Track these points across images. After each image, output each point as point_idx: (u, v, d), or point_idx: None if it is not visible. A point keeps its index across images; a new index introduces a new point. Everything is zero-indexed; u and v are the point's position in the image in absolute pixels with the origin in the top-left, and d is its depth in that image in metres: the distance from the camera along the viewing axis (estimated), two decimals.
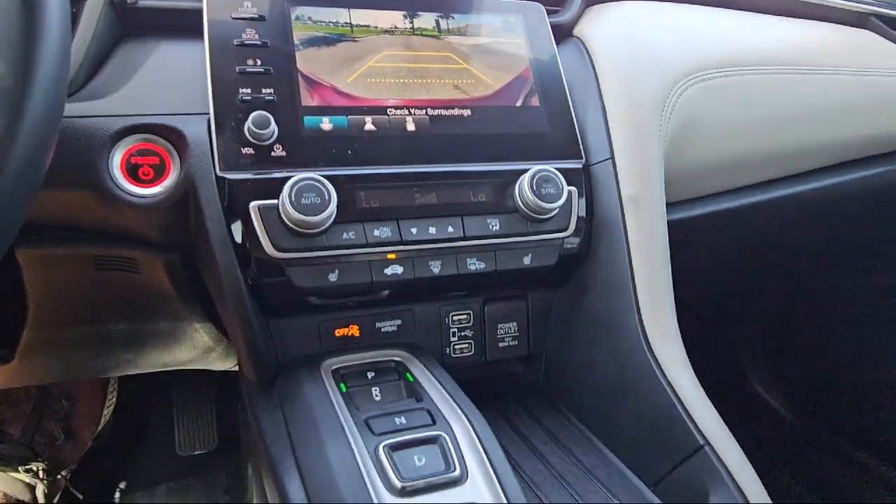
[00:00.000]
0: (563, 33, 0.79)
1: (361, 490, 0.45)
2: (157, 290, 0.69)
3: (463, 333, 0.70)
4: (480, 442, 0.50)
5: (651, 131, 0.69)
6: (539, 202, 0.62)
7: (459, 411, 0.54)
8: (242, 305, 0.58)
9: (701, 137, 0.77)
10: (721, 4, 0.91)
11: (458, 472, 0.48)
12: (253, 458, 1.04)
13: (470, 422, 0.52)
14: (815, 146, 0.88)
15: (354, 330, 0.65)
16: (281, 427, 0.55)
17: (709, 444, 0.55)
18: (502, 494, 0.46)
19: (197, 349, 0.81)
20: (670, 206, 0.75)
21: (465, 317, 0.70)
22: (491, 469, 0.48)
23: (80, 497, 1.18)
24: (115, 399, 1.24)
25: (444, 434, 0.51)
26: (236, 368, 0.90)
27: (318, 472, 0.47)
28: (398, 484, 0.46)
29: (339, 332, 0.65)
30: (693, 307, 0.74)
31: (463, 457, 0.49)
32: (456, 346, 0.70)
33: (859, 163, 0.96)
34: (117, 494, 1.26)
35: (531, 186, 0.62)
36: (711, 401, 0.60)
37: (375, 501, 0.44)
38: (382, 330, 0.66)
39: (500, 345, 0.71)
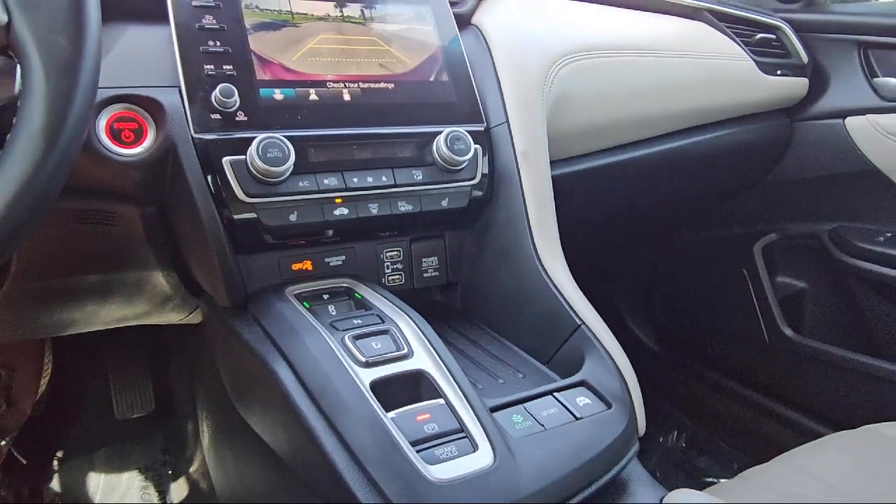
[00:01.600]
0: (463, 22, 0.96)
1: (338, 365, 0.60)
2: (131, 240, 0.79)
3: (395, 266, 0.86)
4: (421, 331, 0.67)
5: (536, 101, 0.88)
6: (453, 156, 0.79)
7: (402, 312, 0.70)
8: (220, 242, 0.70)
9: (574, 107, 0.97)
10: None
11: (406, 350, 0.64)
12: (202, 410, 1.15)
13: (411, 318, 0.69)
14: (662, 115, 1.12)
15: (308, 265, 0.79)
16: (260, 333, 0.68)
17: (584, 323, 0.74)
18: (441, 363, 0.63)
19: (156, 299, 0.92)
20: (554, 163, 0.94)
21: (395, 253, 0.86)
22: (431, 346, 0.65)
23: (24, 462, 1.24)
24: (50, 367, 1.29)
25: (391, 328, 0.67)
26: (189, 320, 1.01)
27: (303, 356, 0.62)
28: (363, 359, 0.62)
29: (295, 267, 0.79)
30: (576, 258, 0.93)
31: (408, 341, 0.66)
32: (390, 277, 0.85)
33: (698, 129, 1.21)
34: (55, 463, 1.32)
35: (446, 143, 0.79)
36: None
37: (349, 370, 0.60)
38: (330, 264, 0.81)
39: (425, 275, 0.88)
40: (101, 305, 0.90)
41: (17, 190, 0.45)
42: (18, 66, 0.49)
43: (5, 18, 0.47)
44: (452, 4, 0.95)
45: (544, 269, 0.79)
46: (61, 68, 0.47)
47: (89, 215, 0.75)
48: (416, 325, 0.68)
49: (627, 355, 0.76)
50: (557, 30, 0.98)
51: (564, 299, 0.76)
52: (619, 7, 1.14)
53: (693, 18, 1.23)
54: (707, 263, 1.64)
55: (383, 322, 0.68)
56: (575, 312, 0.76)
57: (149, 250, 0.82)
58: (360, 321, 0.68)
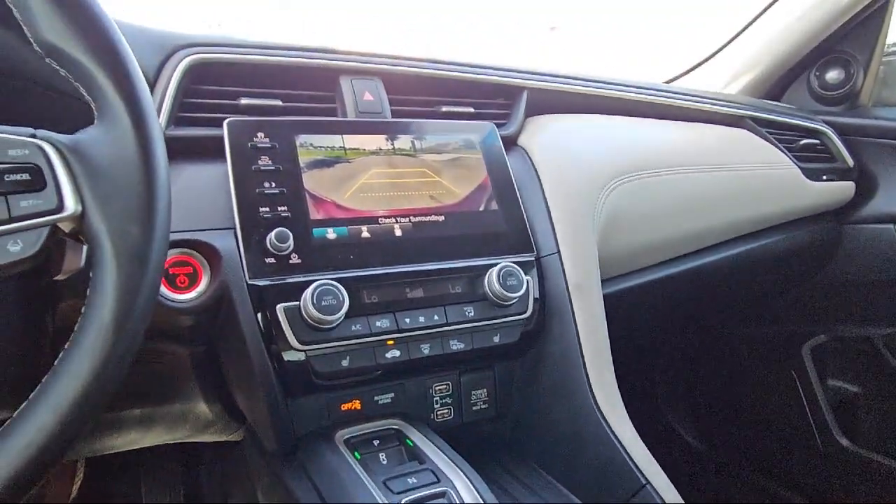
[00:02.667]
0: (509, 143, 0.97)
1: None
2: (178, 376, 0.78)
3: (444, 401, 0.83)
4: (478, 492, 0.64)
5: (587, 228, 0.87)
6: (505, 292, 0.77)
7: (457, 469, 0.67)
8: (270, 388, 0.69)
9: (624, 229, 0.95)
10: (629, 112, 1.12)
11: None
12: None
13: (467, 477, 0.66)
14: (710, 229, 1.10)
15: (357, 404, 0.77)
16: (309, 487, 0.66)
17: (650, 484, 0.71)
18: None
19: (199, 426, 0.90)
20: (605, 281, 0.93)
21: (445, 386, 0.83)
22: None
23: None
24: (82, 475, 1.27)
25: (448, 489, 0.64)
26: (230, 439, 0.99)
27: None
28: None
29: (344, 407, 0.77)
30: (620, 350, 0.90)
31: None
32: (439, 412, 0.83)
33: (745, 237, 1.18)
34: None
35: (498, 279, 0.77)
36: None
37: None
38: (380, 402, 0.78)
39: (474, 408, 0.85)
40: (143, 434, 0.89)
41: (86, 383, 0.44)
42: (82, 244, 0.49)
43: (80, 209, 0.47)
44: (499, 126, 0.95)
45: (601, 414, 0.76)
46: (133, 258, 0.47)
47: (137, 356, 0.74)
48: (474, 485, 0.65)
49: (664, 449, 0.72)
50: (605, 151, 0.98)
51: (626, 452, 0.73)
52: (663, 119, 1.14)
53: (736, 126, 1.23)
54: (753, 362, 1.59)
55: (439, 481, 0.66)
56: (639, 470, 0.72)
57: (195, 385, 0.81)
58: (414, 479, 0.65)
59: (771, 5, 1.35)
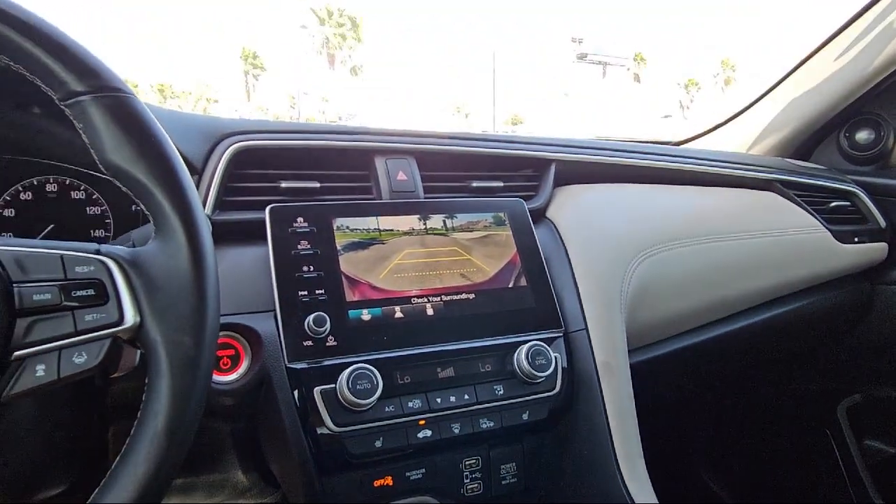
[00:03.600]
0: (538, 216, 0.99)
1: None
2: (218, 449, 0.82)
3: (474, 475, 0.85)
4: None
5: (614, 304, 0.89)
6: (534, 371, 0.79)
7: None
8: (307, 466, 0.72)
9: (652, 300, 0.97)
10: (656, 179, 1.14)
11: None
12: None
13: None
14: (739, 297, 1.10)
15: (389, 480, 0.79)
16: None
17: None
18: None
19: (236, 492, 0.93)
20: (633, 351, 0.94)
21: (475, 461, 0.85)
22: None
23: None
24: None
25: None
26: (265, 502, 1.02)
27: None
28: None
29: (376, 483, 0.79)
30: (651, 410, 0.91)
31: None
32: (468, 487, 0.84)
33: (774, 302, 1.18)
34: None
35: (527, 358, 0.79)
36: (664, 487, 0.76)
37: None
38: (411, 478, 0.80)
39: (503, 482, 0.86)
40: (183, 499, 0.92)
41: (142, 490, 0.47)
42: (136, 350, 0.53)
43: (138, 320, 0.51)
44: (527, 198, 0.98)
45: (628, 492, 0.77)
46: (185, 365, 0.51)
47: None
48: None
49: None
50: (633, 223, 1.00)
51: None
52: (690, 185, 1.16)
53: (763, 189, 1.24)
54: (788, 420, 1.57)
55: None
56: None
57: (234, 456, 0.84)
58: None
59: (798, 67, 1.36)
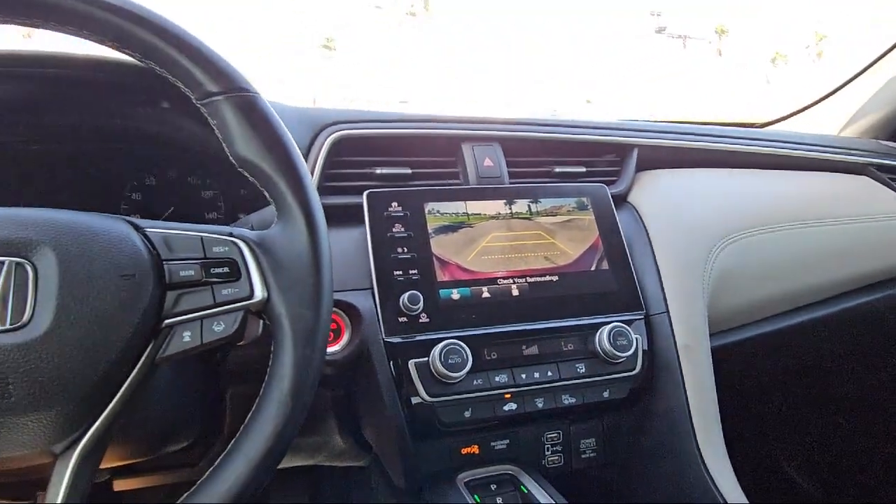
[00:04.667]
0: (619, 200, 1.01)
1: None
2: (320, 414, 0.89)
3: (555, 448, 0.89)
4: None
5: (696, 288, 0.90)
6: (615, 351, 0.82)
7: None
8: (402, 433, 0.78)
9: (734, 286, 0.97)
10: (740, 164, 1.13)
11: None
12: None
13: None
14: (825, 284, 1.09)
15: (475, 449, 0.85)
16: None
17: None
18: None
19: (333, 453, 1.01)
20: (713, 335, 0.95)
21: (556, 435, 0.89)
22: None
23: None
24: None
25: None
26: (357, 464, 1.10)
27: None
28: None
29: (464, 451, 0.85)
30: (730, 398, 0.92)
31: None
32: (550, 459, 0.89)
33: (863, 290, 1.16)
34: None
35: (609, 339, 0.83)
36: (744, 473, 0.78)
37: None
38: (495, 448, 0.86)
39: (583, 456, 0.91)
40: (286, 460, 1.01)
41: (271, 444, 0.54)
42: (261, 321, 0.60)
43: (266, 295, 0.57)
44: (609, 183, 1.00)
45: (709, 474, 0.80)
46: (306, 336, 0.57)
47: None
48: None
49: (781, 498, 0.74)
50: (716, 208, 1.01)
51: None
52: (776, 169, 1.15)
53: (856, 173, 1.20)
54: (871, 408, 1.52)
55: None
56: None
57: (333, 421, 0.91)
58: None
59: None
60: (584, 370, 0.83)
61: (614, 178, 1.03)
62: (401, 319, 0.79)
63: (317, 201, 0.60)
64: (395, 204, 0.86)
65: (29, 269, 0.50)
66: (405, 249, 0.83)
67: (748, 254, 0.98)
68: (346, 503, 1.28)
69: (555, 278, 0.88)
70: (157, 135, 0.85)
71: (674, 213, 0.98)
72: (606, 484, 0.93)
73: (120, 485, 1.02)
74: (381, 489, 0.92)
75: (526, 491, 0.79)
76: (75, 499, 0.50)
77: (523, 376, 0.81)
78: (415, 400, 0.77)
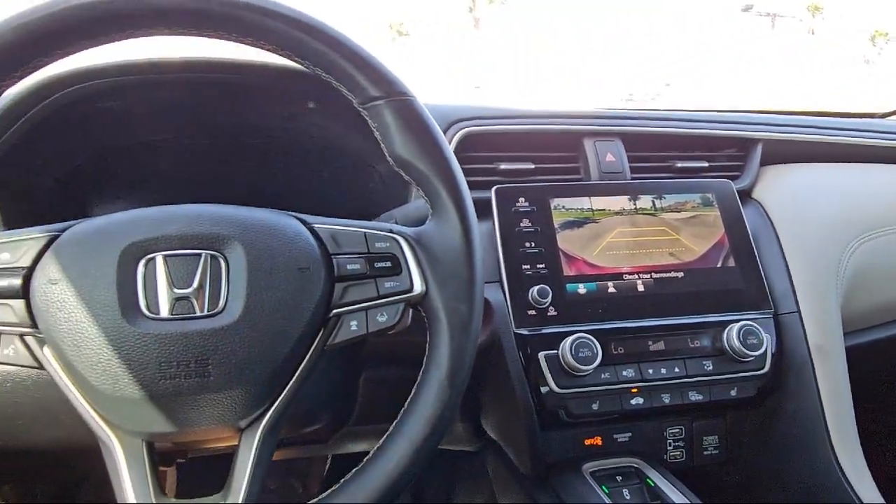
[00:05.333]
0: (743, 196, 0.99)
1: None
2: None
3: (677, 443, 0.90)
4: None
5: (829, 288, 0.88)
6: (745, 350, 0.82)
7: None
8: (531, 423, 0.81)
9: (870, 285, 0.94)
10: (869, 158, 1.09)
11: None
12: None
13: None
14: None
15: (598, 440, 0.87)
16: None
17: None
18: None
19: (451, 439, 1.06)
20: (848, 334, 0.92)
21: (678, 430, 0.90)
22: None
23: None
24: (326, 469, 1.51)
25: None
26: (468, 449, 1.14)
27: None
28: None
29: (587, 442, 0.87)
30: (865, 398, 0.89)
31: None
32: (671, 454, 0.90)
33: None
34: None
35: (738, 337, 0.82)
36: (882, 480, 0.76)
37: None
38: (618, 440, 0.87)
39: (705, 452, 0.91)
40: None
41: (432, 428, 0.58)
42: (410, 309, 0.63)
43: (424, 289, 0.61)
44: (732, 178, 0.99)
45: (845, 478, 0.78)
46: (462, 328, 0.60)
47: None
48: None
49: None
50: (848, 206, 0.97)
51: None
52: None
53: None
54: None
55: None
56: None
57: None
58: None
59: None
60: (711, 368, 0.83)
61: (737, 174, 1.01)
62: (530, 312, 0.82)
63: (469, 199, 0.63)
64: (522, 199, 0.88)
65: (222, 261, 0.55)
66: (532, 244, 0.85)
67: (886, 252, 0.95)
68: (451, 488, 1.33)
69: (680, 274, 0.88)
70: (301, 131, 0.90)
71: (804, 210, 0.95)
72: (727, 481, 0.93)
73: None
74: (499, 474, 0.95)
75: (652, 484, 0.80)
76: (261, 470, 0.56)
77: (650, 371, 0.82)
78: (544, 391, 0.79)
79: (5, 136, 0.76)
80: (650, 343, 0.83)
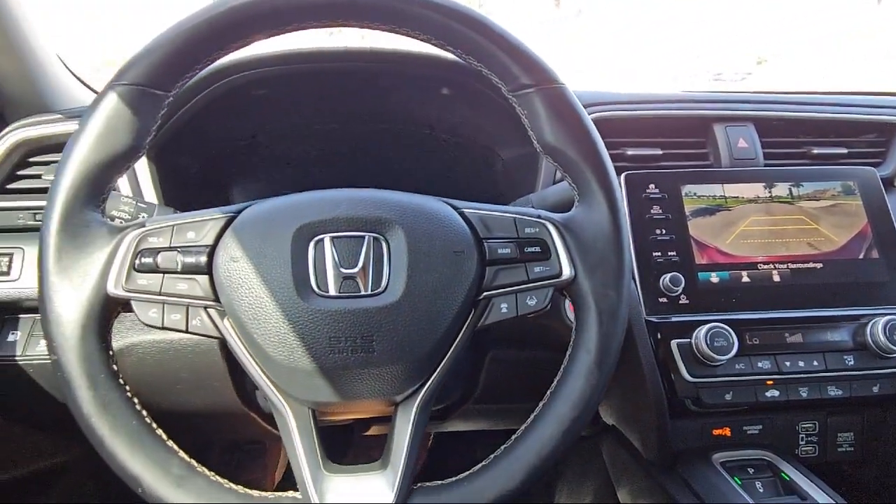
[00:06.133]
0: (886, 185, 0.94)
1: None
2: None
3: (810, 439, 0.87)
4: None
5: None
6: (891, 346, 0.78)
7: None
8: (661, 411, 0.81)
9: None
10: None
11: None
12: None
13: None
14: None
15: (727, 431, 0.86)
16: (693, 500, 0.77)
17: None
18: None
19: None
20: None
21: (811, 425, 0.87)
22: None
23: None
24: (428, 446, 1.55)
25: None
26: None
27: None
28: None
29: (715, 432, 0.86)
30: None
31: None
32: (803, 448, 0.87)
33: None
34: None
35: (884, 332, 0.79)
36: None
37: None
38: (748, 432, 0.86)
39: (839, 449, 0.88)
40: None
41: (580, 410, 0.59)
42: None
43: (572, 274, 0.62)
44: (874, 166, 0.94)
45: None
46: (611, 313, 0.61)
47: (532, 363, 0.92)
48: None
49: None
50: None
51: None
52: None
53: None
54: None
55: None
56: None
57: None
58: None
59: None
60: (852, 363, 0.80)
61: (879, 160, 0.96)
62: (661, 300, 0.81)
63: (618, 187, 0.63)
64: (652, 186, 0.87)
65: (384, 244, 0.58)
66: (663, 231, 0.84)
67: None
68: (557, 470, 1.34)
69: (819, 265, 0.85)
70: (430, 118, 0.92)
71: None
72: (861, 480, 0.90)
73: (372, 430, 1.15)
74: (617, 458, 0.96)
75: (787, 479, 0.79)
76: (417, 443, 0.59)
77: (787, 364, 0.80)
78: (677, 379, 0.79)
79: (170, 121, 0.82)
80: (787, 335, 0.81)
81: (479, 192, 1.06)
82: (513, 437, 0.60)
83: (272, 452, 1.58)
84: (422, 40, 0.63)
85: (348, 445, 1.55)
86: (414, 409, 0.59)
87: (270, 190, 1.03)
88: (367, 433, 1.28)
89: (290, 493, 0.56)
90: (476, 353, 0.90)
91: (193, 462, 0.56)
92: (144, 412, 0.56)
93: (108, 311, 0.56)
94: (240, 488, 0.56)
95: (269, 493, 0.56)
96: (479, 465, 0.59)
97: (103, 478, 1.30)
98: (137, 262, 0.57)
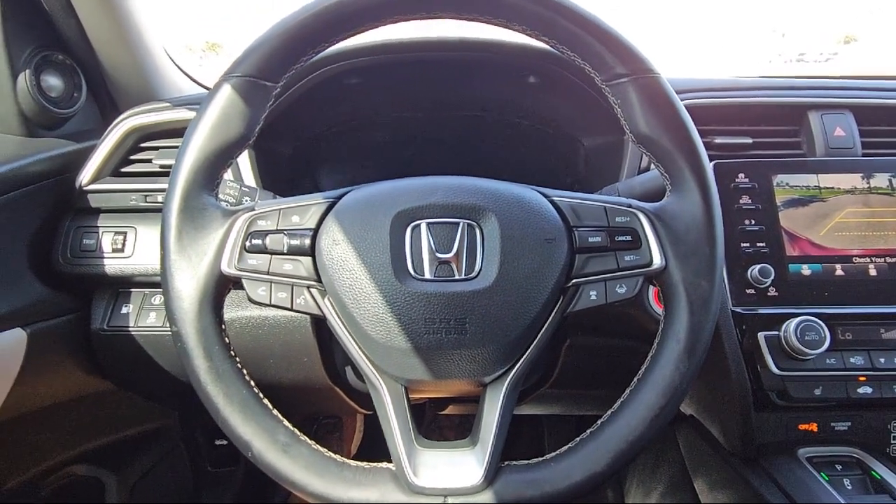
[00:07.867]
0: None
1: None
2: (629, 372, 0.95)
3: None
4: None
5: None
6: None
7: None
8: (746, 403, 0.80)
9: None
10: None
11: None
12: None
13: None
14: None
15: (813, 426, 0.84)
16: (780, 496, 0.76)
17: None
18: None
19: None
20: None
21: None
22: None
23: None
24: None
25: None
26: None
27: None
28: None
29: (801, 427, 0.84)
30: None
31: None
32: (894, 447, 0.85)
33: None
34: None
35: None
36: None
37: None
38: (836, 429, 0.84)
39: None
40: (587, 409, 1.09)
41: (668, 398, 0.60)
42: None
43: (663, 264, 0.62)
44: None
45: None
46: (703, 304, 0.61)
47: (610, 351, 0.92)
48: None
49: None
50: None
51: None
52: None
53: None
54: None
55: None
56: None
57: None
58: None
59: None
60: None
61: None
62: (748, 291, 0.80)
63: (712, 177, 0.63)
64: (741, 175, 0.85)
65: (477, 230, 0.60)
66: (752, 221, 0.83)
67: None
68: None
69: None
70: (515, 106, 0.94)
71: None
72: None
73: (448, 410, 1.19)
74: (694, 448, 0.95)
75: (878, 477, 0.77)
76: (506, 421, 0.61)
77: (882, 360, 0.77)
78: (763, 372, 0.78)
79: (272, 104, 0.86)
80: (882, 331, 0.79)
81: (560, 179, 1.06)
82: (598, 422, 0.61)
83: (348, 427, 1.64)
84: (516, 30, 0.64)
85: (419, 424, 1.60)
86: (503, 391, 0.61)
87: (357, 174, 1.07)
88: (442, 412, 1.32)
89: (385, 465, 0.60)
90: (557, 338, 0.91)
91: (297, 430, 0.60)
92: (252, 382, 0.60)
93: (221, 288, 0.60)
94: (339, 457, 0.59)
95: (365, 463, 0.59)
96: (566, 446, 0.60)
97: (194, 442, 1.39)
98: (248, 243, 0.61)
